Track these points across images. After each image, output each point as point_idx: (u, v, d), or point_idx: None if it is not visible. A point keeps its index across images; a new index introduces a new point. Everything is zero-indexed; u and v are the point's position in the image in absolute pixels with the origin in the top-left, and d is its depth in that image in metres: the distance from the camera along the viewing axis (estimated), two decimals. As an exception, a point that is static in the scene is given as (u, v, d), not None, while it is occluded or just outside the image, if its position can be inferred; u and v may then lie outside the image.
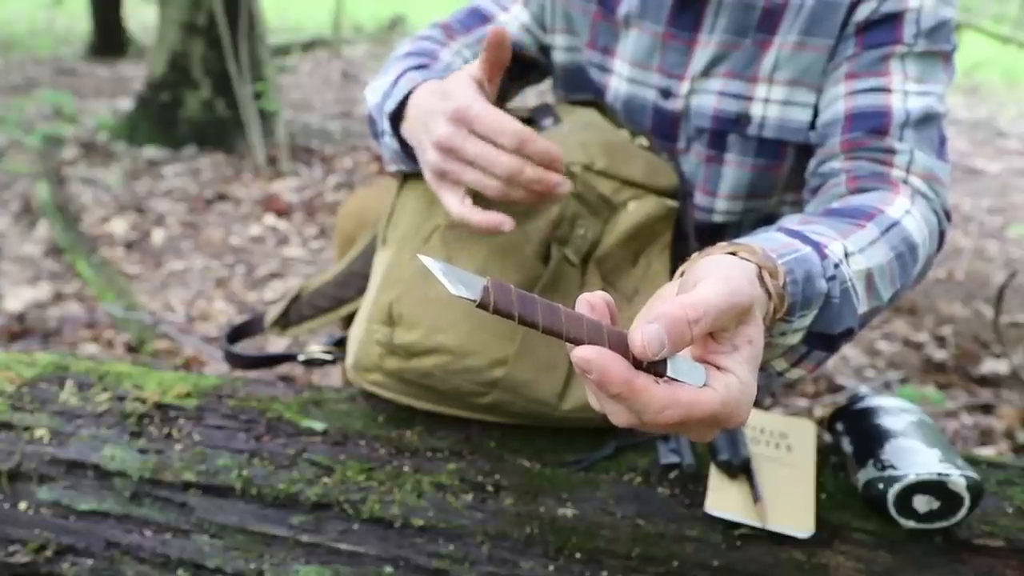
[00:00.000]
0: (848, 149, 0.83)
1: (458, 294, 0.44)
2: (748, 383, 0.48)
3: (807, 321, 0.60)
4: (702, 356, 0.49)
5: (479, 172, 0.70)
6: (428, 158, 0.74)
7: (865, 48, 0.84)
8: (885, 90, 0.83)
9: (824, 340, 0.63)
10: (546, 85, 1.14)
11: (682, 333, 0.45)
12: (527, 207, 0.79)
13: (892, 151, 0.82)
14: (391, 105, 0.81)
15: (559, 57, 1.03)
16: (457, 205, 0.73)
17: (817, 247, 0.62)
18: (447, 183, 0.74)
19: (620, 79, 0.97)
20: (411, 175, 0.89)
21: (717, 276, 0.49)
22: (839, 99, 0.85)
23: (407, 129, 0.79)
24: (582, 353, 0.44)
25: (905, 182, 0.81)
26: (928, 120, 0.83)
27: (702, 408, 0.46)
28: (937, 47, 0.84)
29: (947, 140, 0.86)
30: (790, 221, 0.72)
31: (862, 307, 0.66)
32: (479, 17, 1.03)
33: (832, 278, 0.61)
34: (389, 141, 0.85)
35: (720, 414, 0.46)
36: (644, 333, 0.45)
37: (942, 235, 0.83)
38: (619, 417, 0.48)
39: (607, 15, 0.96)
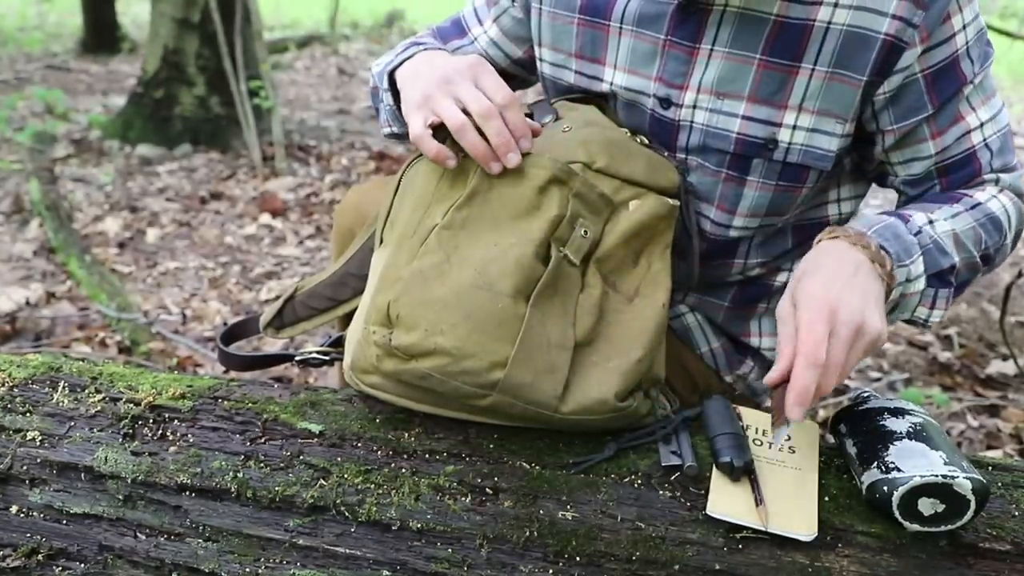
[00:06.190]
0: (946, 188, 0.92)
1: None
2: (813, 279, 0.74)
3: (921, 267, 0.80)
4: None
5: (455, 104, 0.79)
6: (421, 84, 0.83)
7: (941, 104, 0.86)
8: (967, 133, 0.88)
9: (939, 277, 0.81)
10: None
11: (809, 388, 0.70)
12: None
13: (983, 182, 0.91)
14: (396, 61, 0.91)
15: (547, 70, 1.02)
16: (420, 127, 0.80)
17: (900, 216, 0.82)
18: (424, 109, 0.81)
19: (613, 87, 0.95)
20: (408, 173, 0.88)
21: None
22: (930, 157, 0.90)
23: (406, 67, 0.89)
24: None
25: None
26: (1004, 138, 0.91)
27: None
28: (988, 63, 0.88)
29: (1010, 131, 0.93)
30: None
31: (954, 256, 0.83)
32: (457, 29, 1.08)
33: (918, 232, 0.80)
34: (386, 98, 0.95)
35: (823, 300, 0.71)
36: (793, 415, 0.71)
37: None
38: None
39: (593, 21, 0.94)
